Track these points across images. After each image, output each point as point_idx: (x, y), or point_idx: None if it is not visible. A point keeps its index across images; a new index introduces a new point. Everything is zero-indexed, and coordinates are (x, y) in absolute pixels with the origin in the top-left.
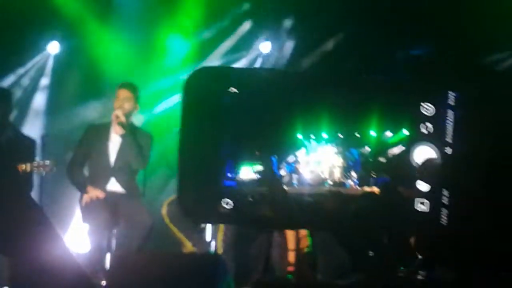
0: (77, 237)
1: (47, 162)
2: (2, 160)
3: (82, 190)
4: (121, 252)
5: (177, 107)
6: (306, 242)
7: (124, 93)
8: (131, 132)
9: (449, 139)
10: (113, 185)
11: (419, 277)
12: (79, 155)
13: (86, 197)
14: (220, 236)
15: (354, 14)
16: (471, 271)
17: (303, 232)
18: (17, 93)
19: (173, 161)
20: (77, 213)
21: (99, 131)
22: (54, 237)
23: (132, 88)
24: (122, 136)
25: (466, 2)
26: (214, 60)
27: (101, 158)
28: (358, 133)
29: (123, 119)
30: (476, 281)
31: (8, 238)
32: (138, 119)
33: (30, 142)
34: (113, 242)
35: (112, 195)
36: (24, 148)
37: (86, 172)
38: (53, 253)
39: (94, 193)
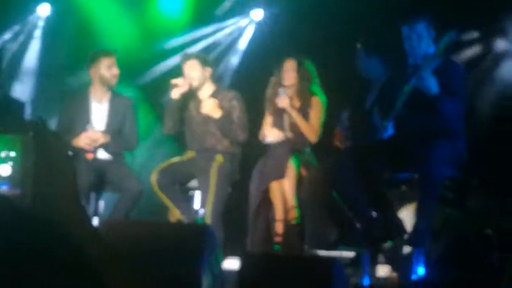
0: None
1: None
2: None
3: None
4: (108, 218)
5: (168, 74)
6: (294, 213)
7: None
8: (115, 97)
9: None
10: (101, 154)
11: (406, 251)
12: (63, 124)
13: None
14: (209, 205)
15: None
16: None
17: (291, 203)
18: (6, 56)
19: (160, 129)
20: None
21: (79, 100)
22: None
23: (114, 54)
24: (109, 102)
25: None
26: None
27: (85, 126)
28: None
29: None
30: (463, 257)
31: None
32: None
33: (20, 105)
34: (101, 207)
35: (99, 162)
36: (14, 110)
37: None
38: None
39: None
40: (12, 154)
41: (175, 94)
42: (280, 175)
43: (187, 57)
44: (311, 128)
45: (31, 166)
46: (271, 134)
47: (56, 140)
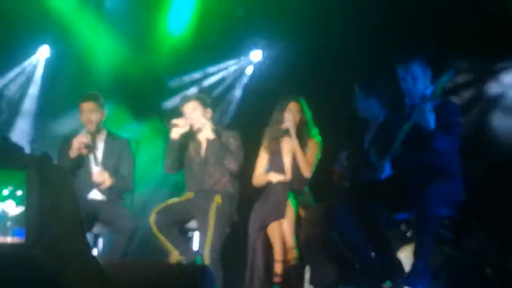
0: None
1: None
2: None
3: None
4: (106, 259)
5: (166, 114)
6: (293, 254)
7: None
8: (110, 138)
9: None
10: (95, 194)
11: None
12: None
13: None
14: (208, 245)
15: (349, 23)
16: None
17: (290, 243)
18: (6, 98)
19: (158, 170)
20: None
21: None
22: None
23: (95, 97)
24: (104, 143)
25: None
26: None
27: (82, 170)
28: None
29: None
30: None
31: None
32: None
33: (19, 149)
34: (95, 249)
35: (92, 203)
36: (13, 154)
37: None
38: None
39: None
40: (17, 191)
41: (175, 134)
42: (279, 215)
43: (188, 99)
44: (308, 164)
45: (36, 202)
46: (271, 176)
47: (61, 174)
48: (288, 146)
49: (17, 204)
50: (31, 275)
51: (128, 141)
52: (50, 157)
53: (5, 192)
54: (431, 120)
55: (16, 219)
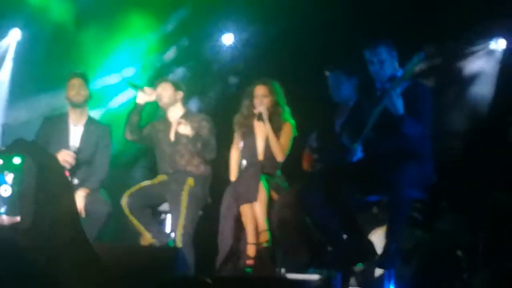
0: None
1: None
2: None
3: None
4: None
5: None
6: (265, 237)
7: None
8: (91, 123)
9: None
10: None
11: (377, 274)
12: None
13: None
14: (180, 228)
15: (320, 7)
16: (432, 268)
17: (262, 226)
18: None
19: (132, 153)
20: None
21: (57, 123)
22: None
23: (83, 76)
24: (84, 126)
25: None
26: (176, 50)
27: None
28: None
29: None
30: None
31: None
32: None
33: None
34: None
35: None
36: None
37: None
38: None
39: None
40: (12, 174)
41: (140, 98)
42: (251, 198)
43: (161, 81)
44: (281, 148)
45: (31, 187)
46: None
47: (54, 161)
48: (261, 130)
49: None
50: (26, 259)
51: (108, 129)
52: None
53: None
54: (399, 105)
55: (8, 201)
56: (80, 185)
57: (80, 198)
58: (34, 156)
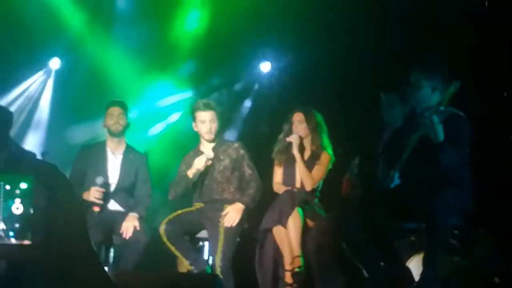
0: None
1: None
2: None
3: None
4: (117, 269)
5: (174, 127)
6: (298, 262)
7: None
8: (129, 151)
9: None
10: (112, 205)
11: None
12: (75, 175)
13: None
14: (218, 254)
15: (356, 33)
16: None
17: (296, 252)
18: (19, 109)
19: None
20: None
21: (94, 152)
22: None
23: (122, 105)
24: (123, 155)
25: None
26: (216, 79)
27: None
28: None
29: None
30: None
31: None
32: (135, 139)
33: (31, 156)
34: (110, 259)
35: (110, 213)
36: (26, 164)
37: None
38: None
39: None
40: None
41: (202, 165)
42: (281, 221)
43: (210, 107)
44: (311, 177)
45: (42, 205)
46: (282, 190)
47: (65, 181)
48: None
49: (23, 205)
50: (36, 276)
51: (146, 158)
52: (55, 164)
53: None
54: (439, 132)
55: (21, 220)
56: (126, 213)
57: (132, 219)
58: (43, 177)
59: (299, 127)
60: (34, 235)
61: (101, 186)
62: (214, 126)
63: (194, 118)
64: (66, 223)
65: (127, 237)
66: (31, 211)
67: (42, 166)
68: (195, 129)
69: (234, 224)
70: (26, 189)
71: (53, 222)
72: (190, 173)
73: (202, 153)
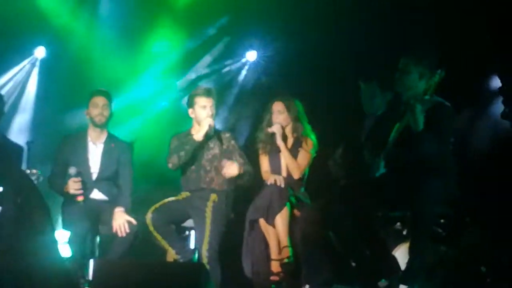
0: (61, 243)
1: (34, 170)
2: None
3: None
4: (104, 259)
5: (160, 116)
6: (287, 253)
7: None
8: (110, 140)
9: None
10: (96, 194)
11: None
12: (58, 166)
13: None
14: (205, 244)
15: (342, 21)
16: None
17: (284, 242)
18: (4, 98)
19: (157, 169)
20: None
21: (75, 141)
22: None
23: (107, 94)
24: (104, 144)
25: None
26: (199, 69)
27: (81, 169)
28: None
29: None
30: None
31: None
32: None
33: (18, 148)
34: (97, 249)
35: (94, 203)
36: (13, 154)
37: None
38: (45, 256)
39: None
40: None
41: (202, 135)
42: (266, 216)
43: (211, 94)
44: (297, 165)
45: (11, 211)
46: (271, 178)
47: (28, 179)
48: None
49: None
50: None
51: (129, 147)
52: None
53: None
54: (420, 121)
55: None
56: (111, 202)
57: (120, 215)
58: (9, 179)
59: (279, 117)
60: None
61: (76, 175)
62: (213, 112)
63: (192, 104)
64: (33, 223)
65: (124, 234)
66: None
67: (10, 168)
68: (191, 115)
69: (233, 171)
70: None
71: (19, 226)
72: (197, 136)
73: (193, 137)
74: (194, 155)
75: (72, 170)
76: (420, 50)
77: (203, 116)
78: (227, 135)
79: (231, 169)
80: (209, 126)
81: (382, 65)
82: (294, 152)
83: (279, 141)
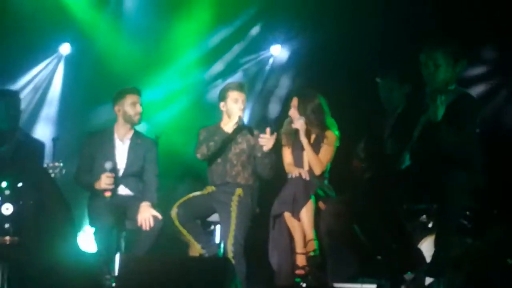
0: (87, 239)
1: (57, 163)
2: (14, 163)
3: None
4: (129, 254)
5: (185, 110)
6: (312, 246)
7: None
8: (137, 137)
9: None
10: (122, 190)
11: (427, 282)
12: (84, 162)
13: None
14: (230, 238)
15: (365, 15)
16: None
17: (310, 235)
18: (29, 95)
19: (182, 164)
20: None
21: (102, 138)
22: (71, 236)
23: (139, 92)
24: (130, 140)
25: None
26: (223, 64)
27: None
28: None
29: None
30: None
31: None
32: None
33: (40, 144)
34: (122, 244)
35: (120, 198)
36: (34, 150)
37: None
38: (67, 252)
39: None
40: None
41: (232, 127)
42: (291, 209)
43: (243, 88)
44: (319, 161)
45: (29, 207)
46: (295, 171)
47: (48, 176)
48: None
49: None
50: (26, 273)
51: (155, 143)
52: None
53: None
54: (439, 112)
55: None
56: (137, 197)
57: (146, 209)
58: (28, 176)
59: (295, 112)
60: (23, 235)
61: (111, 171)
62: (244, 106)
63: (224, 97)
64: (53, 222)
65: (148, 228)
66: (21, 211)
67: (30, 165)
68: (223, 108)
69: (269, 144)
70: (16, 189)
71: (40, 222)
72: (227, 127)
73: (223, 129)
74: (222, 147)
75: (108, 165)
76: (441, 40)
77: (235, 110)
78: (257, 132)
79: (270, 142)
80: (239, 118)
81: (402, 58)
82: (316, 146)
83: (303, 138)
